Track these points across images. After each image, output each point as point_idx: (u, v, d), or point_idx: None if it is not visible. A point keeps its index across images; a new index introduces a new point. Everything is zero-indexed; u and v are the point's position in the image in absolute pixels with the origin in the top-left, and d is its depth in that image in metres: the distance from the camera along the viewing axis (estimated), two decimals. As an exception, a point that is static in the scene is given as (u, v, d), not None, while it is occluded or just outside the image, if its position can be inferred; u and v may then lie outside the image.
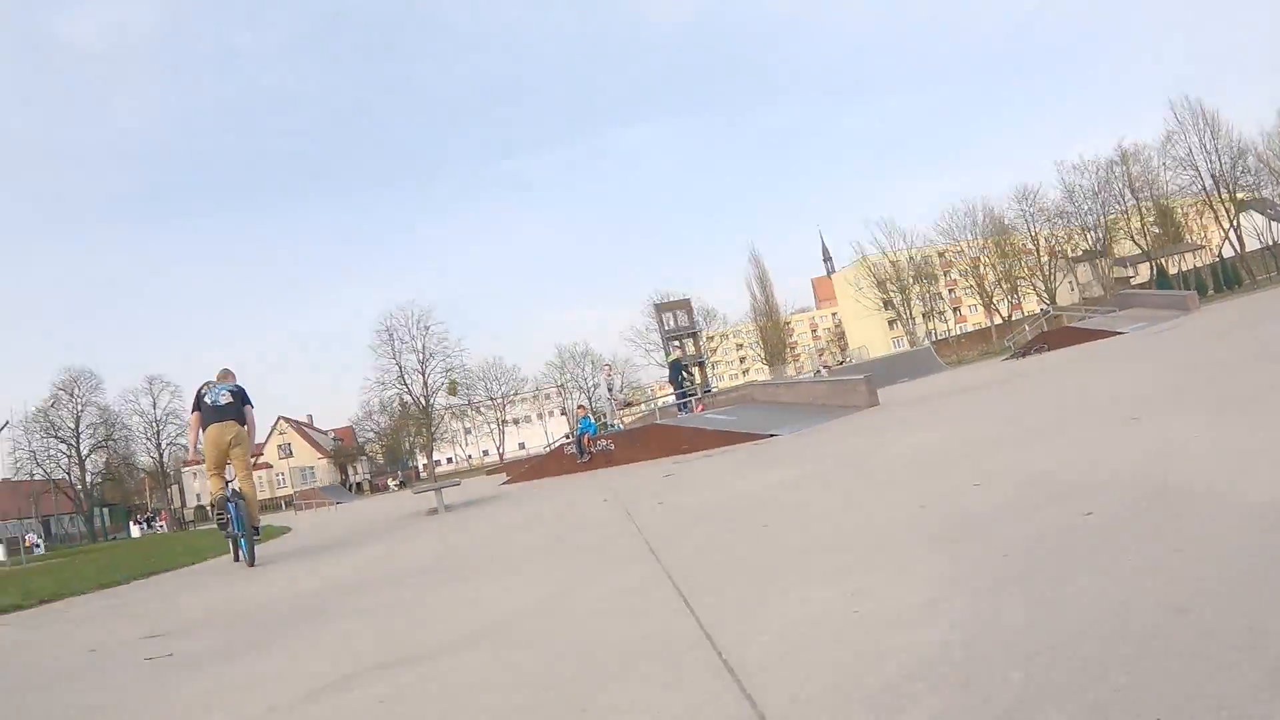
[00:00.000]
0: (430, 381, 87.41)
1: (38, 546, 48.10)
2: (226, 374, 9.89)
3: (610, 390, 23.33)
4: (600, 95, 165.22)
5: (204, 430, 9.47)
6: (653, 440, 17.25)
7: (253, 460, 9.92)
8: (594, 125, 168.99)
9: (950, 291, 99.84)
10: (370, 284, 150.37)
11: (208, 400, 9.37)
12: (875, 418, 14.29)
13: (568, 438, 20.40)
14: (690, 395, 24.35)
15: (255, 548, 9.26)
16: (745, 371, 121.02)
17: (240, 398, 9.57)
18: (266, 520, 24.98)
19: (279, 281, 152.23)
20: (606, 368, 30.95)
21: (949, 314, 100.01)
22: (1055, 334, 32.67)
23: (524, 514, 9.32)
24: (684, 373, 25.76)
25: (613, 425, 21.30)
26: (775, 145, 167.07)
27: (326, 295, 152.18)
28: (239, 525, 9.10)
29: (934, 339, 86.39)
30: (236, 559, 9.40)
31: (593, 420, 20.07)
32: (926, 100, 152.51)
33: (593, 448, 18.57)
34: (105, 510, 79.98)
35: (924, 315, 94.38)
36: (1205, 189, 74.57)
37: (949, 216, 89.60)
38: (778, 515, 4.65)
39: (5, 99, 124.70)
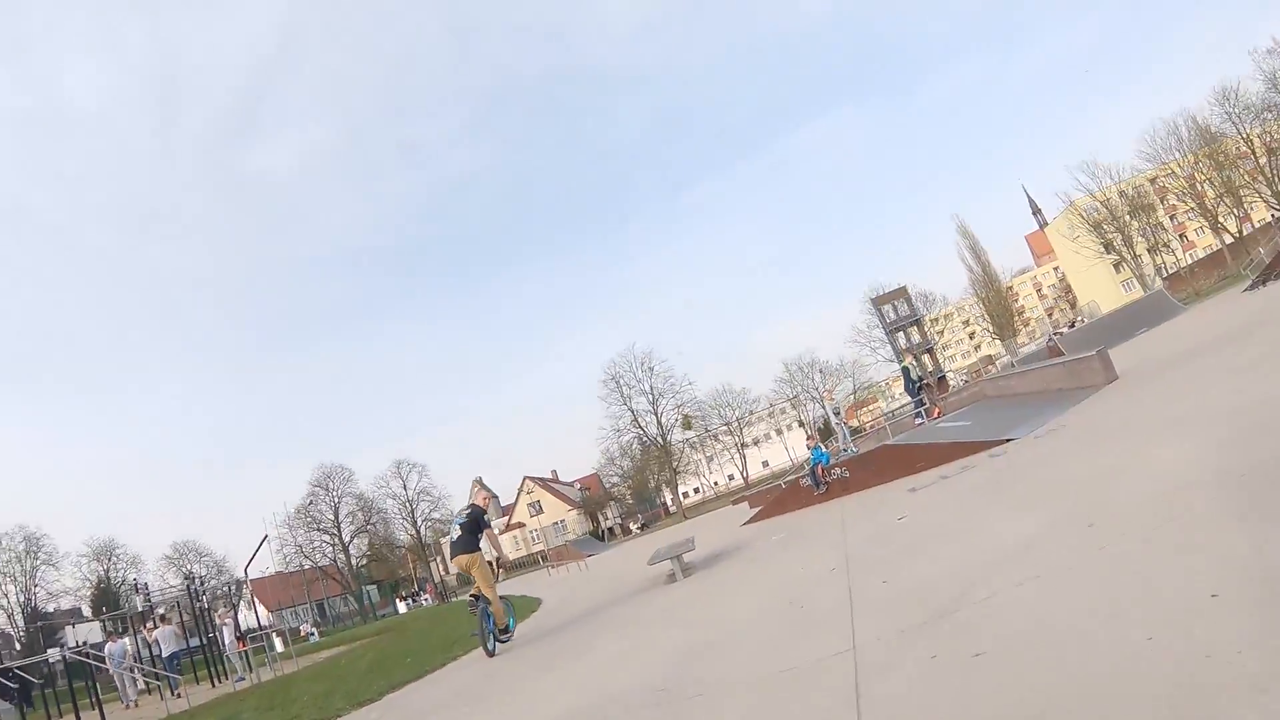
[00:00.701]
0: (664, 420, 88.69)
1: (312, 635, 52.37)
2: (475, 492, 12.51)
3: (837, 414, 23.31)
4: (757, 106, 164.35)
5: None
6: (886, 461, 16.73)
7: (498, 568, 12.83)
8: (762, 137, 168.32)
9: (1171, 218, 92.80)
10: (590, 334, 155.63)
11: (448, 533, 11.94)
12: (1114, 402, 13.61)
13: (806, 467, 20.33)
14: (923, 405, 23.97)
15: (498, 643, 11.27)
16: (977, 348, 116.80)
17: (470, 526, 11.55)
18: (521, 585, 26.15)
19: (503, 347, 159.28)
20: (826, 393, 31.15)
21: (1174, 243, 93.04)
22: (1294, 251, 30.04)
23: (753, 593, 8.90)
24: (916, 379, 25.48)
25: (846, 450, 21.16)
26: (951, 111, 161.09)
27: (550, 352, 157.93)
28: (488, 622, 11.10)
29: (1164, 274, 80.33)
30: (490, 655, 10.91)
31: (823, 449, 19.95)
32: (1091, 25, 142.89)
33: (828, 477, 18.39)
34: (374, 587, 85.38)
35: (1149, 250, 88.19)
36: None
37: (1151, 139, 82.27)
38: (1013, 618, 4.03)
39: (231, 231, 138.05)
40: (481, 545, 11.57)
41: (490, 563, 12.24)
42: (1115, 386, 15.79)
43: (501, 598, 12.23)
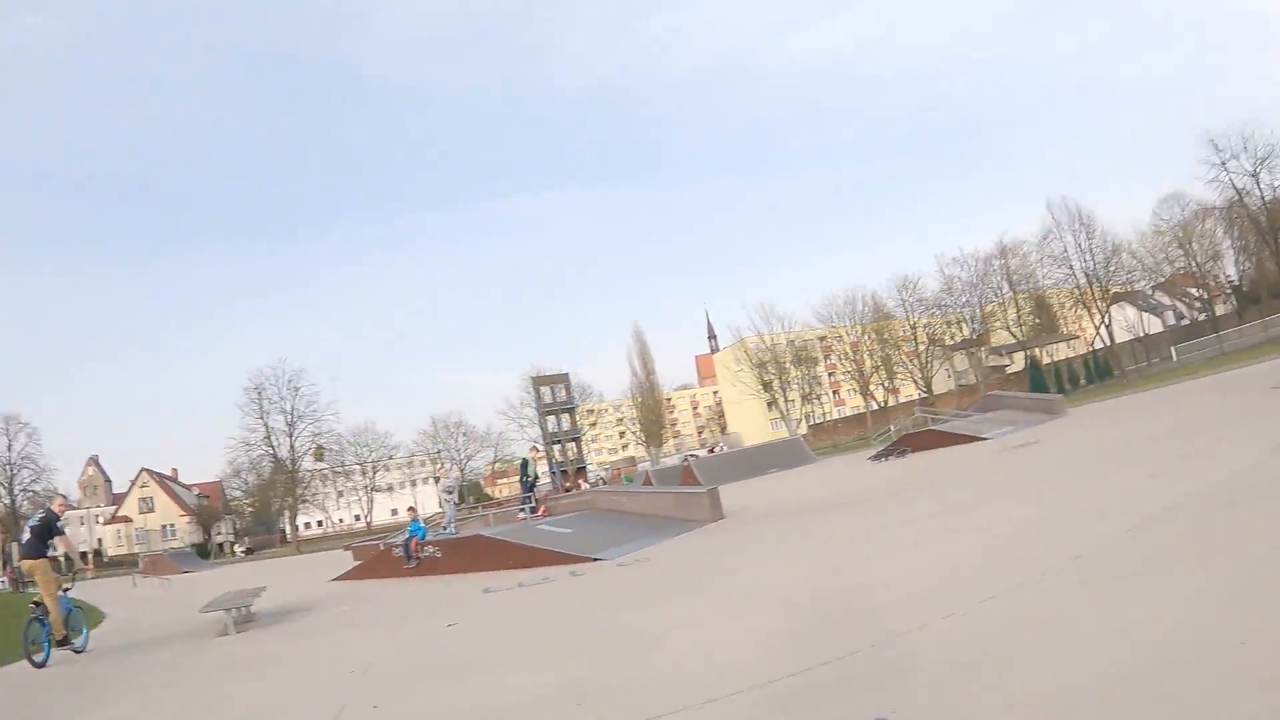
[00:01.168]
0: (297, 445, 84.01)
1: None
2: (55, 501, 13.10)
3: (449, 493, 22.77)
4: (494, 161, 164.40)
5: None
6: (479, 551, 16.52)
7: (68, 580, 12.01)
8: (486, 191, 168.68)
9: (830, 375, 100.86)
10: (250, 334, 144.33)
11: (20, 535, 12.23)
12: (706, 544, 13.91)
13: (399, 540, 19.57)
14: (529, 502, 23.87)
15: (69, 650, 11.15)
16: (625, 446, 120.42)
17: (40, 531, 11.21)
18: (98, 593, 23.69)
19: (151, 324, 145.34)
20: (444, 470, 30.71)
21: (827, 397, 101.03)
22: (920, 436, 32.66)
23: (260, 682, 8.13)
24: (532, 475, 25.61)
25: (446, 529, 20.53)
26: (667, 222, 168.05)
27: (202, 342, 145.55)
28: (44, 630, 10.71)
29: (811, 422, 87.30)
30: (38, 666, 10.47)
31: (422, 525, 19.29)
32: (814, 186, 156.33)
33: (419, 553, 17.75)
34: (-47, 551, 74.16)
35: (803, 398, 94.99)
36: (1079, 285, 75.14)
37: (829, 303, 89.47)
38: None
39: None
40: (54, 552, 11.50)
41: (61, 559, 12.32)
42: (716, 527, 16.24)
43: (77, 606, 12.10)
